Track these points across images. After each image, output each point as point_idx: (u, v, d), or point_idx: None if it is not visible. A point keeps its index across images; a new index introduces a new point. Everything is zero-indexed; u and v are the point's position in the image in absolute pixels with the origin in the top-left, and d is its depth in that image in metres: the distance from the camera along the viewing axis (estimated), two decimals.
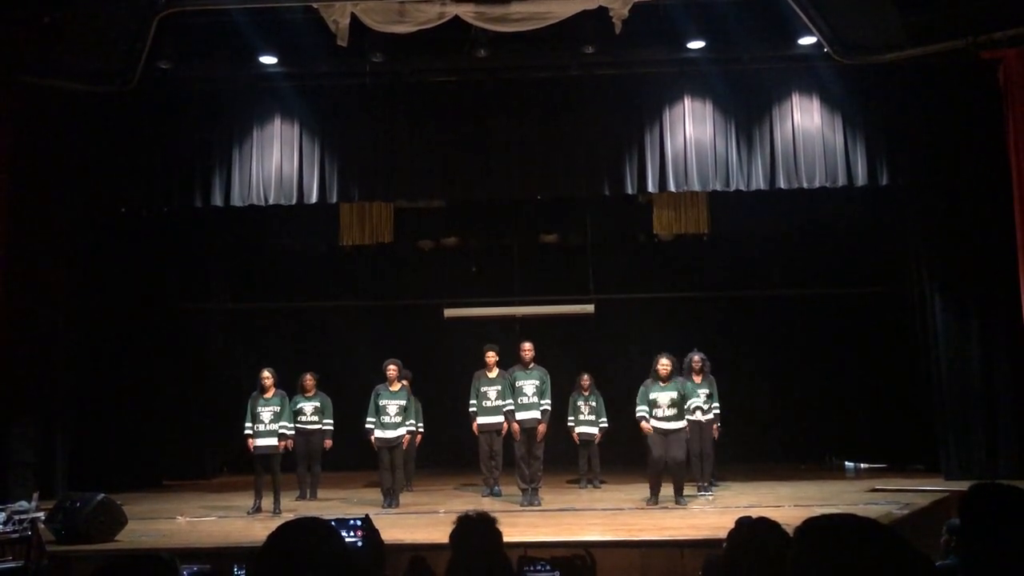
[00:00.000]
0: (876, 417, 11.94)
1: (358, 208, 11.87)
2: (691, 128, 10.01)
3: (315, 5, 8.90)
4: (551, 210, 12.78)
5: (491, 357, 9.69)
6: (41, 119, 9.76)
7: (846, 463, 12.60)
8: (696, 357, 9.52)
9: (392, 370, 9.23)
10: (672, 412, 8.76)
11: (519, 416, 9.17)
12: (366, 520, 3.58)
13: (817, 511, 1.90)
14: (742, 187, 9.98)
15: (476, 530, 3.24)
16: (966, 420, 9.74)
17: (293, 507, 9.19)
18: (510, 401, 9.26)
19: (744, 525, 3.00)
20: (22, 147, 9.55)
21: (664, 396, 8.78)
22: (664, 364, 8.81)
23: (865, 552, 1.66)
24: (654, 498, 8.75)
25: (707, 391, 9.55)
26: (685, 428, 8.93)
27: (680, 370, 9.12)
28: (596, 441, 10.61)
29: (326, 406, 10.11)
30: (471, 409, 9.74)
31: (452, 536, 3.27)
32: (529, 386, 9.22)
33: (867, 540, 1.68)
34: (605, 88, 10.18)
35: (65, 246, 10.16)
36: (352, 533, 3.62)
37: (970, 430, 9.72)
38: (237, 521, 8.53)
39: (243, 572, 3.77)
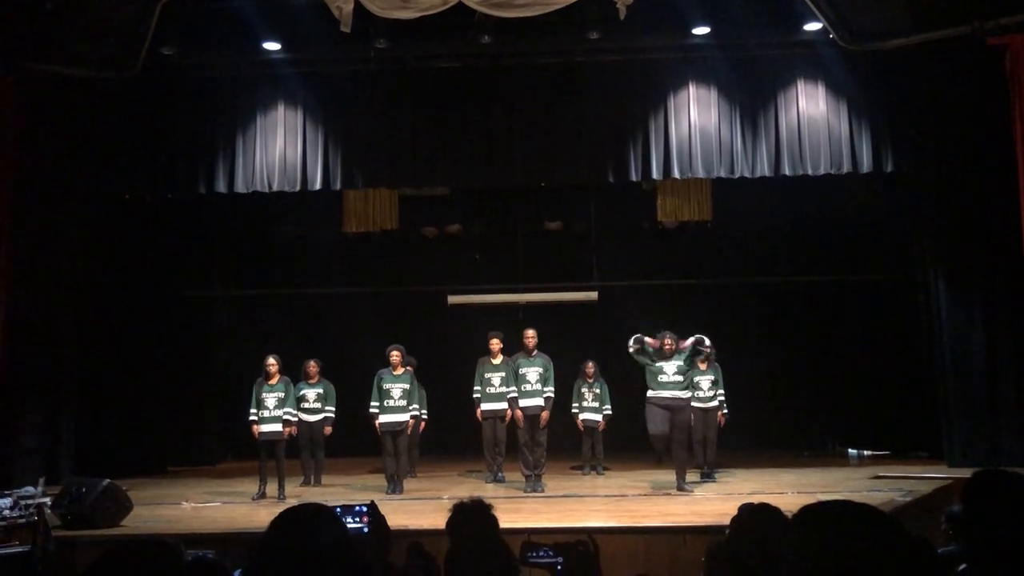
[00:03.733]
0: (879, 404, 11.94)
1: (362, 195, 11.86)
2: (696, 115, 9.98)
3: None
4: (555, 197, 12.77)
5: (495, 344, 9.71)
6: (44, 105, 9.75)
7: (849, 450, 12.61)
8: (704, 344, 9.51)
9: (395, 356, 9.22)
10: (679, 379, 8.70)
11: (522, 403, 9.19)
12: (372, 506, 3.58)
13: (820, 498, 1.90)
14: (747, 174, 9.96)
15: (472, 517, 3.25)
16: (969, 407, 9.73)
17: (297, 493, 9.24)
18: (513, 388, 9.27)
19: (747, 512, 3.01)
20: (25, 133, 9.55)
21: (671, 364, 8.74)
22: (668, 342, 8.80)
23: (863, 538, 1.66)
24: (660, 459, 8.63)
25: (712, 378, 9.58)
26: (689, 405, 8.92)
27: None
28: (600, 428, 10.63)
29: (329, 393, 10.14)
30: (475, 395, 9.77)
31: (448, 524, 3.28)
32: (532, 373, 9.23)
33: (864, 526, 1.69)
34: (609, 74, 10.15)
35: (69, 233, 10.17)
36: (358, 519, 3.62)
37: (973, 417, 9.71)
38: (241, 507, 8.56)
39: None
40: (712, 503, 8.01)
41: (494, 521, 3.26)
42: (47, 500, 6.96)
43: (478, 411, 9.78)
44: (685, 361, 8.79)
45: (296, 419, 9.43)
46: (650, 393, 8.75)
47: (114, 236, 10.96)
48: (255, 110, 10.19)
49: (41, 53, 9.40)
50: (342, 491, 9.44)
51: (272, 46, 9.91)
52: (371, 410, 9.19)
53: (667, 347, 8.78)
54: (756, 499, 3.16)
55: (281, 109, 10.18)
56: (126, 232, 11.16)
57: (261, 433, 9.10)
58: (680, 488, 8.68)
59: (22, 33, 9.21)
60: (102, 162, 10.19)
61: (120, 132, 10.16)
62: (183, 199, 10.86)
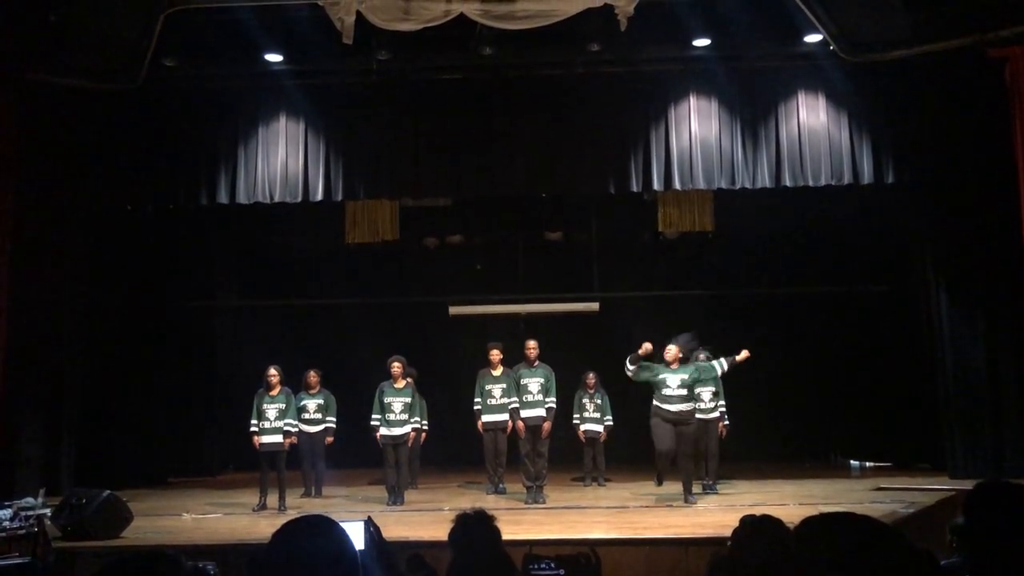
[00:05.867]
0: (882, 415, 11.91)
1: (363, 206, 11.85)
2: (696, 126, 9.99)
3: (320, 3, 8.88)
4: (556, 208, 12.79)
5: (495, 355, 9.70)
6: (47, 116, 9.75)
7: (851, 461, 12.58)
8: (702, 355, 9.51)
9: (396, 367, 9.22)
10: (683, 393, 8.68)
11: (524, 414, 9.18)
12: (368, 521, 3.58)
13: (822, 510, 1.90)
14: (747, 185, 9.97)
15: (475, 528, 3.24)
16: (972, 418, 9.72)
17: (298, 504, 9.22)
18: (515, 399, 9.26)
19: (749, 523, 3.00)
20: (28, 144, 9.55)
21: (675, 378, 8.72)
22: (671, 351, 8.77)
23: (865, 550, 1.66)
24: (659, 482, 8.64)
25: (713, 389, 9.56)
26: (694, 418, 8.89)
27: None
28: (601, 439, 10.61)
29: (329, 403, 10.12)
30: (475, 407, 9.76)
31: (451, 535, 3.27)
32: (534, 384, 9.23)
33: (867, 538, 1.69)
34: (610, 86, 10.17)
35: (72, 244, 10.18)
36: (354, 534, 3.61)
37: (975, 428, 9.69)
38: (242, 518, 8.54)
39: None
40: (714, 515, 7.98)
41: (497, 532, 3.25)
42: (47, 511, 6.95)
43: (479, 423, 9.77)
44: (690, 375, 8.76)
45: (296, 430, 9.42)
46: (657, 404, 8.72)
47: (116, 247, 10.97)
48: (257, 121, 10.21)
49: (44, 64, 9.41)
50: (343, 502, 9.43)
51: (274, 57, 9.93)
52: (372, 423, 9.18)
53: (670, 355, 8.75)
54: (758, 511, 3.15)
55: (283, 120, 10.20)
56: (128, 243, 11.17)
57: (262, 444, 9.09)
58: (687, 500, 8.64)
59: (25, 44, 9.22)
60: (104, 173, 10.21)
61: (122, 143, 10.18)
62: (185, 210, 10.87)
